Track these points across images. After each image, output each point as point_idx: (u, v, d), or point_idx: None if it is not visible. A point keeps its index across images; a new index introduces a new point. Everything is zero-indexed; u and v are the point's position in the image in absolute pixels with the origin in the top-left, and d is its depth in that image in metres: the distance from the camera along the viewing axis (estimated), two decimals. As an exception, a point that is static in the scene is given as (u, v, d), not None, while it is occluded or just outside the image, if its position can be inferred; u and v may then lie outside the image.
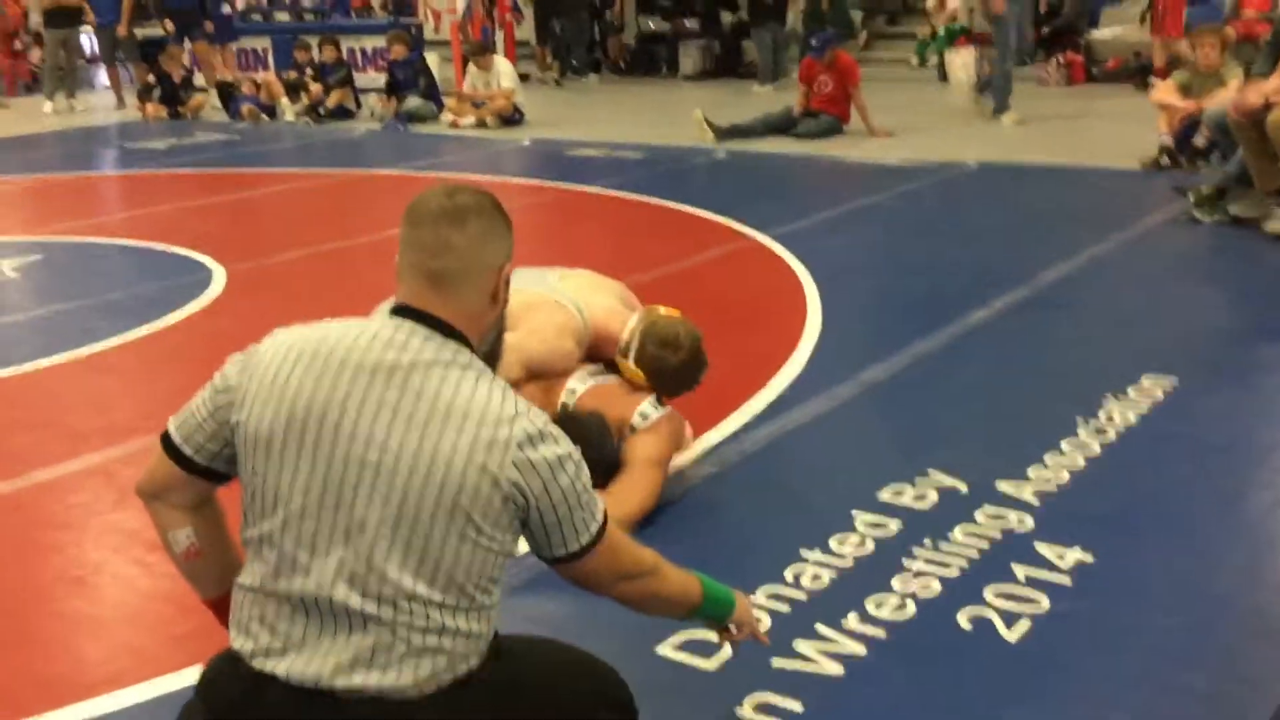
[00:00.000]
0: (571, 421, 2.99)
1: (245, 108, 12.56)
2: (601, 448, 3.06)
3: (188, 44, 14.06)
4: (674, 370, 3.30)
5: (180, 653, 2.56)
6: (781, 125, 10.00)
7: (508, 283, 1.91)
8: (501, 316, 1.94)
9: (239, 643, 1.83)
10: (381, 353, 1.77)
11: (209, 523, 1.94)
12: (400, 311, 1.83)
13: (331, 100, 12.33)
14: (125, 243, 6.68)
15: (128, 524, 3.24)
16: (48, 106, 13.64)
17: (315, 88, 12.44)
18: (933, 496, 3.18)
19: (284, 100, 12.57)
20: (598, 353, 3.44)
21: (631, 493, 3.07)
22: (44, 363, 4.61)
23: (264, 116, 12.51)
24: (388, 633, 1.75)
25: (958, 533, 2.97)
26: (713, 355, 4.36)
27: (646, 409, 3.24)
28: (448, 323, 1.82)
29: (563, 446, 1.80)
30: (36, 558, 3.12)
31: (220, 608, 1.94)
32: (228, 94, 13.13)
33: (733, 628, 2.17)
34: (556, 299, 3.40)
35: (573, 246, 6.73)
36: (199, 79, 13.86)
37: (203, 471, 1.88)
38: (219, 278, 5.77)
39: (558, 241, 6.93)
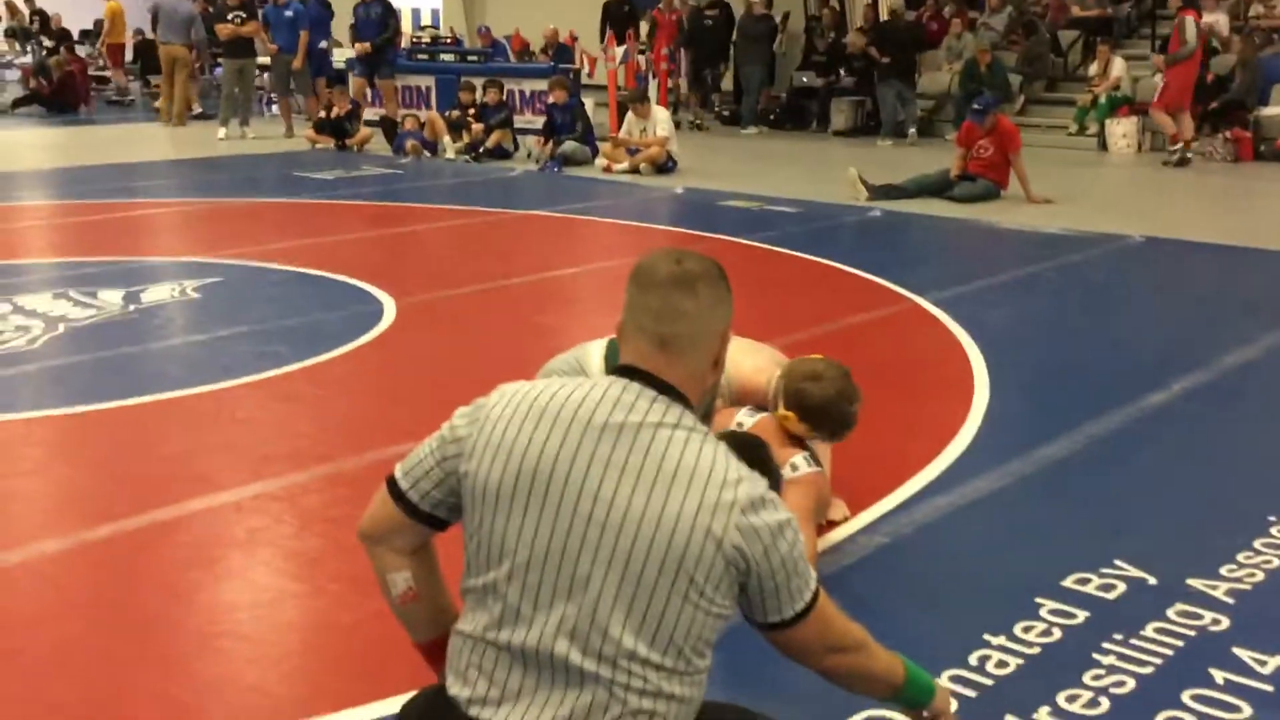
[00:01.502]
0: (743, 444, 2.97)
1: (409, 143, 12.92)
2: (770, 472, 3.04)
3: (352, 78, 14.58)
4: (821, 402, 3.24)
5: (363, 686, 2.60)
6: (937, 188, 9.91)
7: (726, 344, 1.94)
8: (719, 380, 1.97)
9: (455, 689, 1.85)
10: (611, 412, 1.80)
11: (426, 567, 1.98)
12: (626, 372, 1.86)
13: (491, 140, 12.61)
14: (299, 270, 6.91)
15: (309, 551, 3.33)
16: (221, 133, 14.23)
17: (477, 127, 12.75)
18: (1120, 588, 3.08)
19: (446, 138, 12.90)
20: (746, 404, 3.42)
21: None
22: (227, 384, 4.78)
23: (426, 153, 12.86)
24: (605, 691, 1.76)
25: (1149, 629, 2.86)
26: (879, 421, 4.33)
27: (798, 461, 3.20)
28: (673, 385, 1.85)
29: (783, 513, 1.81)
30: (219, 581, 3.21)
31: (430, 652, 1.99)
32: (392, 129, 13.53)
33: (927, 714, 2.13)
34: None
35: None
36: (367, 113, 14.32)
37: (426, 518, 1.92)
38: (389, 309, 5.93)
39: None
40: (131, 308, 5.99)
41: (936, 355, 5.30)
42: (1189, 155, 12.11)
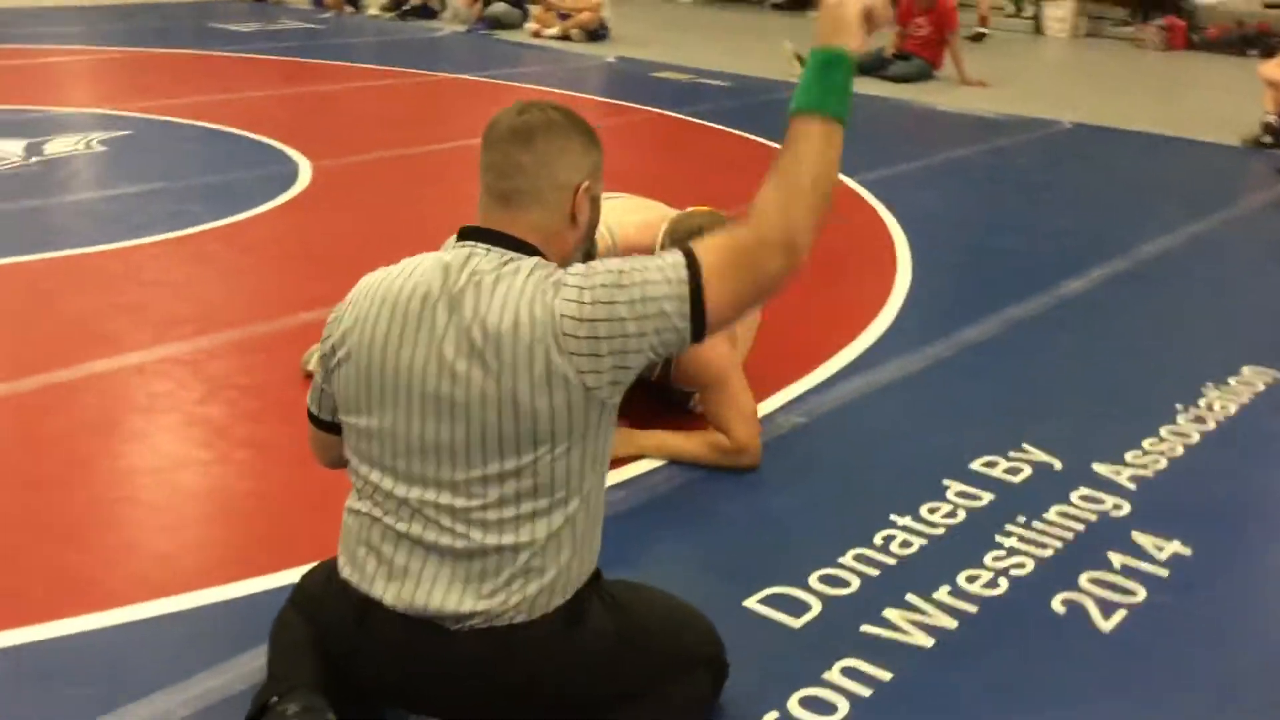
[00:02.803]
0: None
1: (329, -3, 12.45)
2: None
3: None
4: None
5: (264, 554, 2.56)
6: (871, 66, 9.76)
7: (595, 202, 1.88)
8: (587, 237, 1.90)
9: (346, 571, 1.86)
10: (444, 283, 1.77)
11: None
12: (471, 234, 1.83)
13: (416, -2, 12.19)
14: (212, 126, 6.66)
15: (215, 418, 3.25)
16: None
17: (401, -17, 12.30)
18: (1026, 471, 3.12)
19: (368, -7, 12.45)
20: None
21: (735, 406, 3.05)
22: (135, 242, 4.62)
23: (349, 8, 12.40)
24: (492, 555, 1.76)
25: (1052, 512, 2.91)
26: (800, 302, 4.30)
27: None
28: (518, 238, 1.80)
29: (592, 272, 1.76)
30: (121, 444, 3.13)
31: None
32: (314, -19, 13.03)
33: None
34: None
35: (650, 173, 6.64)
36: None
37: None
38: (305, 171, 5.75)
39: (636, 166, 6.83)
40: (34, 160, 5.75)
41: (861, 237, 5.27)
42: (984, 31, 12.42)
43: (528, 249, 1.80)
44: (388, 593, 1.81)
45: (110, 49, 9.46)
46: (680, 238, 3.16)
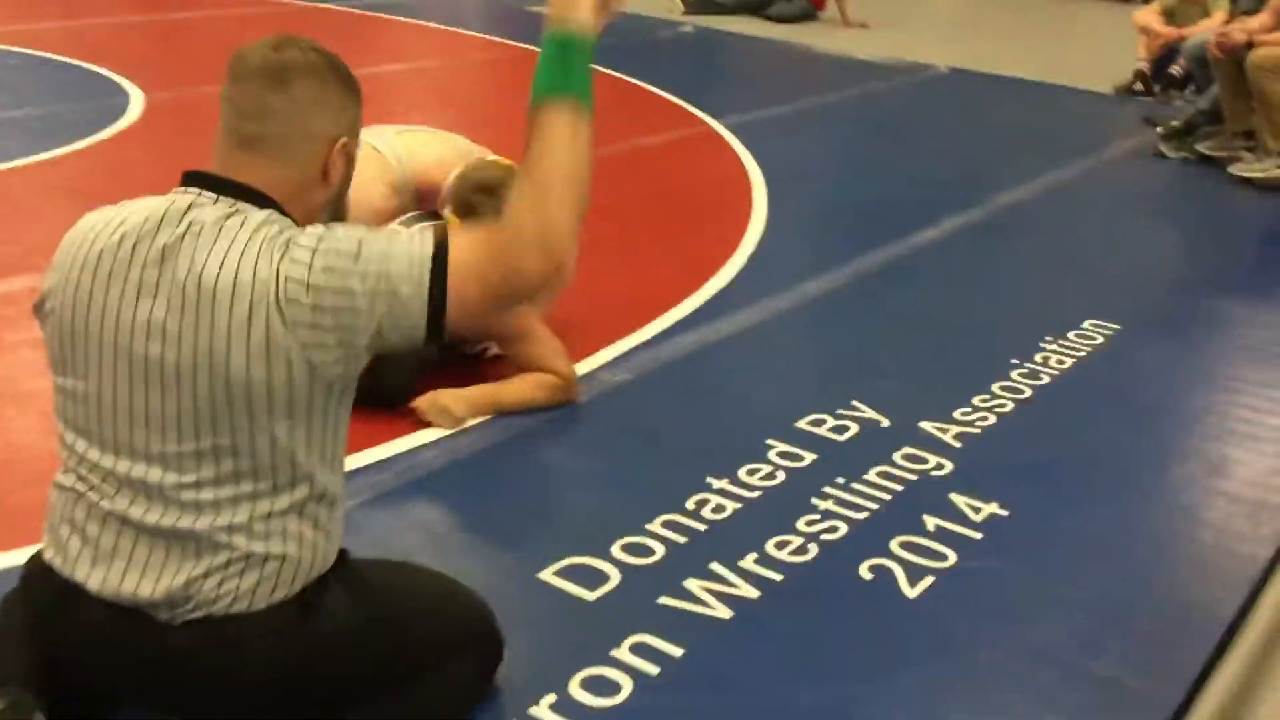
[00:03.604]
0: None
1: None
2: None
3: None
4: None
5: (10, 530, 2.35)
6: (755, 5, 9.63)
7: (350, 160, 1.68)
8: (337, 197, 1.71)
9: (49, 552, 1.67)
10: (155, 234, 1.58)
11: None
12: (197, 179, 1.62)
13: (288, -77, 11.66)
14: (44, 55, 6.25)
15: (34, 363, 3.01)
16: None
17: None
18: (853, 430, 3.02)
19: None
20: (425, 206, 3.20)
21: (548, 345, 2.96)
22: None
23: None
24: (204, 538, 1.59)
25: (873, 473, 2.81)
26: (647, 250, 4.18)
27: None
28: (253, 188, 1.60)
29: (334, 235, 1.57)
30: None
31: None
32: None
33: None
34: (374, 147, 3.12)
35: (511, 112, 6.42)
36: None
37: None
38: (136, 104, 5.41)
39: (495, 105, 6.59)
40: None
41: (719, 184, 5.14)
42: None
43: (262, 201, 1.60)
44: (92, 578, 1.62)
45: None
46: (467, 189, 2.99)
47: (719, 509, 2.63)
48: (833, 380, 3.30)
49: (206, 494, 1.59)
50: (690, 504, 2.63)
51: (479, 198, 2.94)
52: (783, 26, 9.20)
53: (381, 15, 8.45)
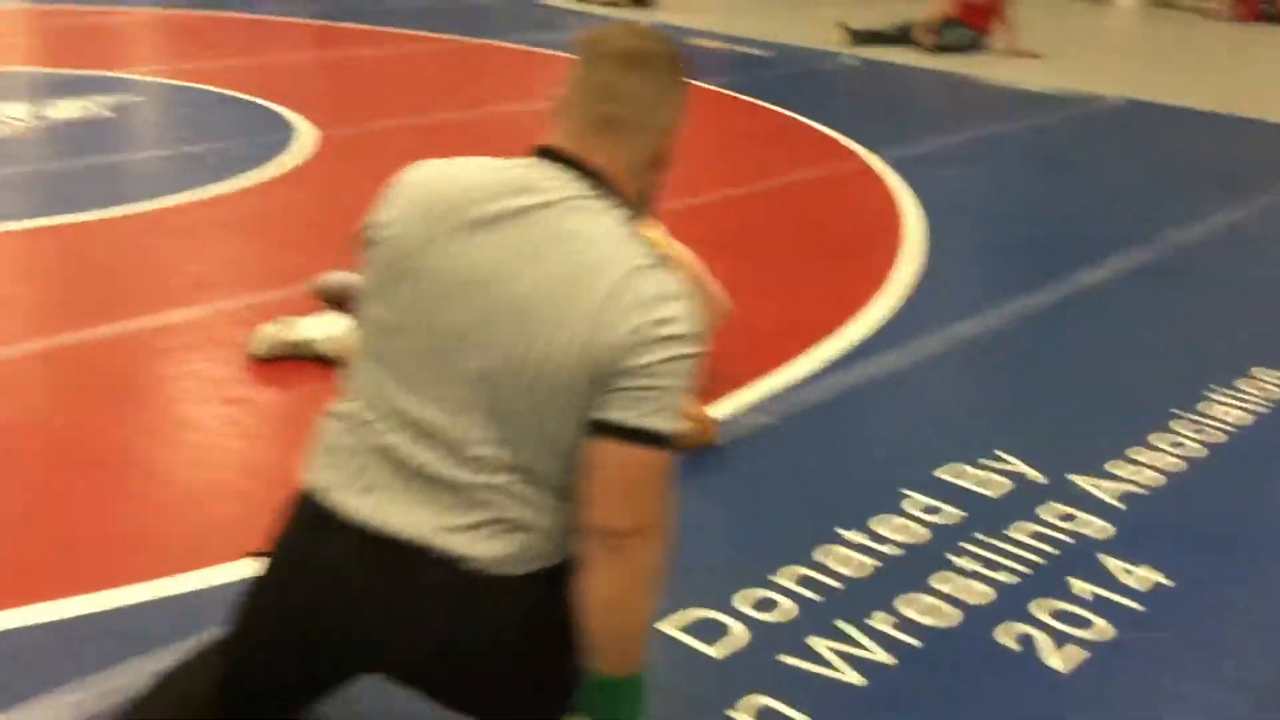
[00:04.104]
0: None
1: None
2: None
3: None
4: None
5: (200, 550, 2.43)
6: (907, 36, 9.42)
7: (670, 145, 1.69)
8: (653, 187, 1.71)
9: (312, 475, 1.65)
10: (511, 198, 1.57)
11: None
12: (547, 154, 1.62)
13: (461, -39, 12.00)
14: (224, 92, 6.54)
15: (195, 392, 3.13)
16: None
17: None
18: (999, 483, 2.89)
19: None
20: None
21: None
22: (121, 211, 4.50)
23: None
24: (474, 496, 1.57)
25: (1019, 531, 2.68)
26: (795, 288, 4.11)
27: None
28: (602, 169, 1.61)
29: (686, 324, 1.54)
30: (121, 412, 3.01)
31: None
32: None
33: None
34: None
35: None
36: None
37: None
38: (310, 140, 5.61)
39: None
40: (35, 123, 5.67)
41: (872, 220, 5.02)
42: None
43: (606, 185, 1.60)
44: (351, 503, 1.59)
45: (129, 9, 9.40)
46: None
47: (845, 561, 2.54)
48: (979, 429, 3.17)
49: (488, 450, 1.56)
50: (817, 555, 2.55)
51: None
52: (949, 57, 8.99)
53: (544, 51, 8.59)
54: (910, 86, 8.26)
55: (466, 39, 8.90)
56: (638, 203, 1.66)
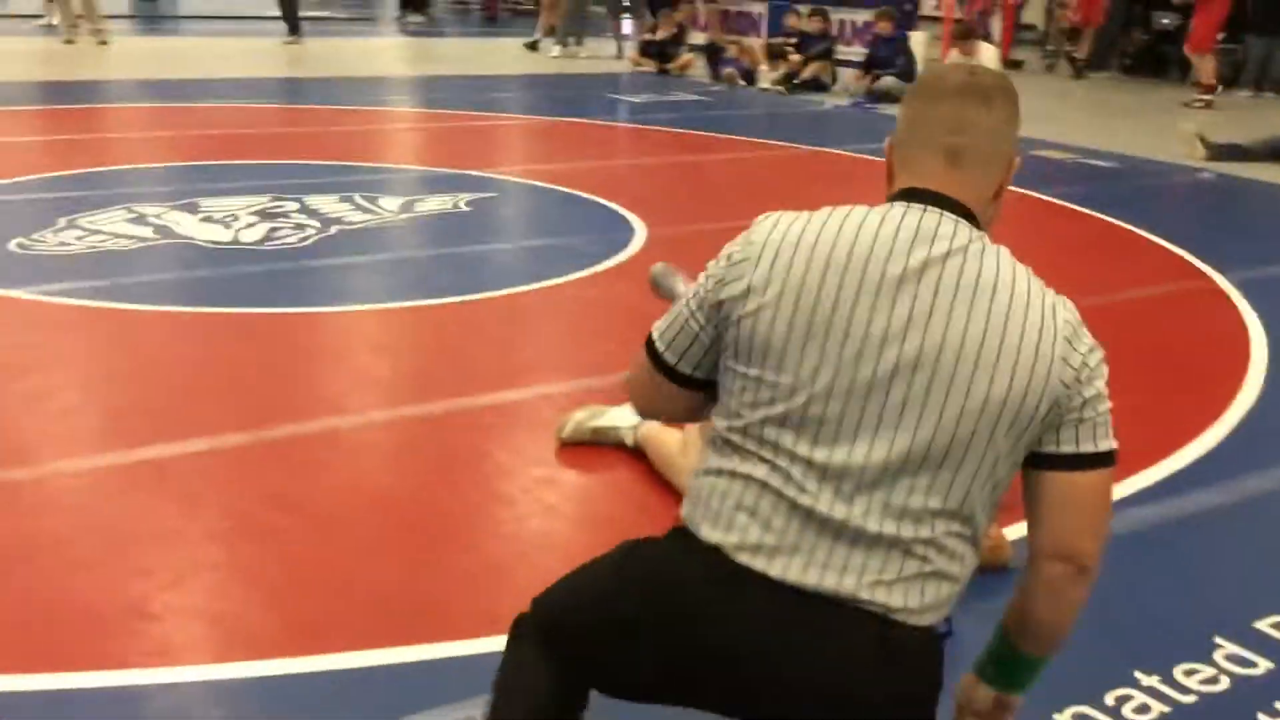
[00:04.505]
0: None
1: (726, 71, 12.84)
2: None
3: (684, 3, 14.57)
4: None
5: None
6: (1283, 150, 8.81)
7: (1010, 175, 1.74)
8: (993, 221, 1.73)
9: (716, 535, 1.63)
10: (911, 246, 1.60)
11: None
12: (912, 195, 1.66)
13: (808, 71, 12.33)
14: (570, 191, 7.00)
15: (509, 467, 3.37)
16: (555, 50, 14.66)
17: (795, 57, 12.49)
18: (1327, 641, 2.63)
19: (763, 67, 12.72)
20: None
21: None
22: (467, 298, 4.91)
23: (742, 82, 12.73)
24: (902, 552, 1.58)
25: (1344, 696, 2.43)
26: (1119, 412, 3.88)
27: None
28: (966, 205, 1.65)
29: (1096, 345, 1.65)
30: (444, 482, 3.29)
31: None
32: (716, 56, 13.48)
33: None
34: None
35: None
36: (695, 38, 14.33)
37: (702, 385, 1.76)
38: (640, 238, 5.91)
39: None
40: (404, 216, 6.27)
41: (1212, 343, 4.71)
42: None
43: (971, 219, 1.64)
44: (773, 566, 1.59)
45: (510, 116, 10.24)
46: None
47: (1143, 709, 2.38)
48: (1312, 580, 2.89)
49: (916, 501, 1.58)
50: (1110, 699, 2.40)
51: None
52: (1324, 175, 8.33)
53: (873, 159, 8.65)
54: (1271, 205, 7.71)
55: (799, 146, 9.10)
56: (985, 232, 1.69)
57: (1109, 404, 1.62)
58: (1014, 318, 1.57)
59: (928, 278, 1.58)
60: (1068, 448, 1.60)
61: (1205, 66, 12.17)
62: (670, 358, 1.75)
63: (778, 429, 1.61)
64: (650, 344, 1.78)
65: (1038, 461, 1.61)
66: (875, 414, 1.57)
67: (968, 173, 1.65)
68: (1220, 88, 12.30)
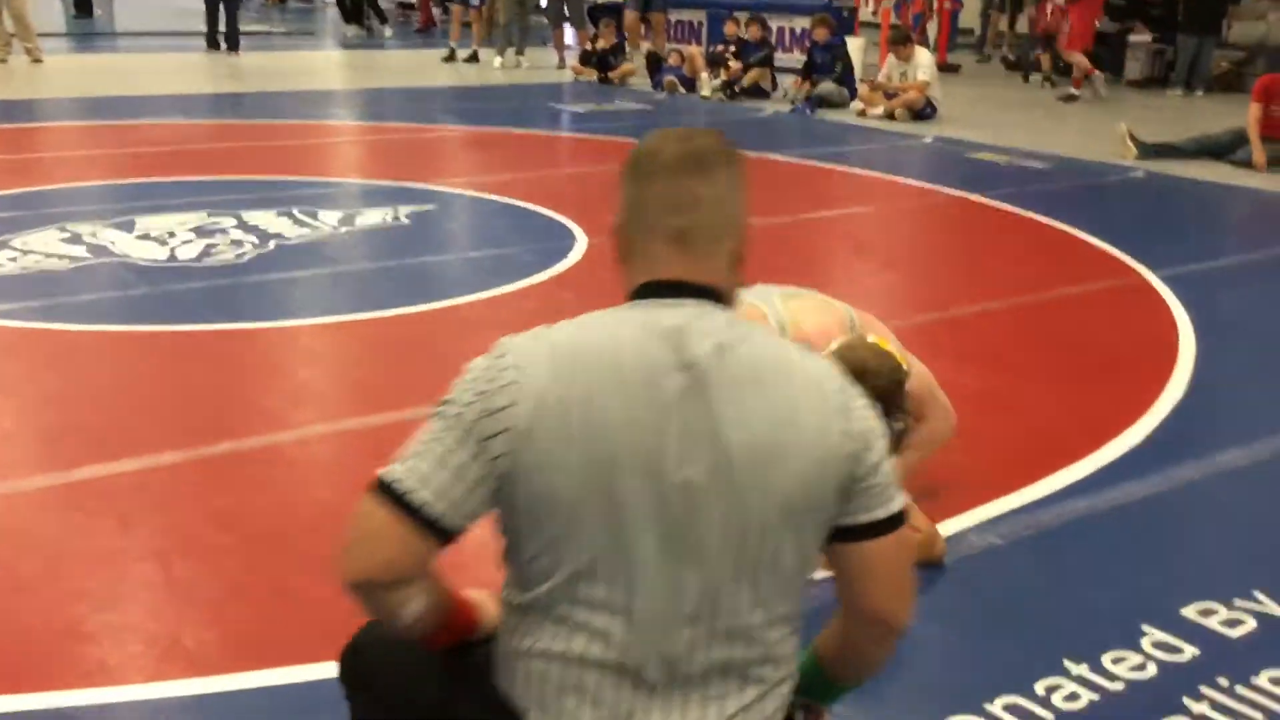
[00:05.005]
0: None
1: (667, 79, 12.90)
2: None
3: (626, 11, 14.63)
4: None
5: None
6: (1220, 149, 8.98)
7: (746, 242, 1.59)
8: (739, 285, 1.59)
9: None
10: (682, 351, 1.45)
11: (430, 577, 1.55)
12: (653, 290, 1.50)
13: (748, 79, 12.40)
14: (511, 202, 7.01)
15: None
16: (497, 62, 14.65)
17: (735, 65, 12.57)
18: (1249, 625, 2.70)
19: (704, 75, 12.79)
20: None
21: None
22: (408, 310, 4.91)
23: (683, 90, 12.79)
24: (740, 679, 1.51)
25: (1264, 677, 2.50)
26: (1043, 406, 3.99)
27: None
28: (713, 287, 1.51)
29: (872, 415, 1.54)
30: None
31: (427, 639, 1.61)
32: (657, 65, 13.53)
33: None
34: (761, 310, 3.13)
35: (933, 258, 6.39)
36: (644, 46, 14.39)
37: (453, 534, 1.48)
38: (580, 247, 5.94)
39: (920, 251, 6.59)
40: (344, 229, 6.26)
41: (1142, 339, 4.81)
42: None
43: (720, 300, 1.51)
44: None
45: (451, 127, 10.22)
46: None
47: (1073, 697, 2.43)
48: (1234, 566, 2.98)
49: (741, 621, 1.50)
50: (1040, 688, 2.45)
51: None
52: (1250, 173, 8.51)
53: (824, 165, 8.74)
54: (1202, 202, 7.88)
55: (751, 154, 9.14)
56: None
57: (890, 463, 1.54)
58: (790, 402, 1.46)
59: (701, 383, 1.44)
60: (862, 517, 1.51)
61: (1079, 63, 12.64)
62: (423, 496, 1.45)
63: (584, 593, 1.46)
64: (392, 490, 1.47)
65: (835, 535, 1.53)
66: (677, 556, 1.44)
67: (700, 251, 1.50)
68: (1098, 80, 12.68)
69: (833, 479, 1.48)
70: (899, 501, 1.55)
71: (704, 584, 1.46)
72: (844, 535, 1.53)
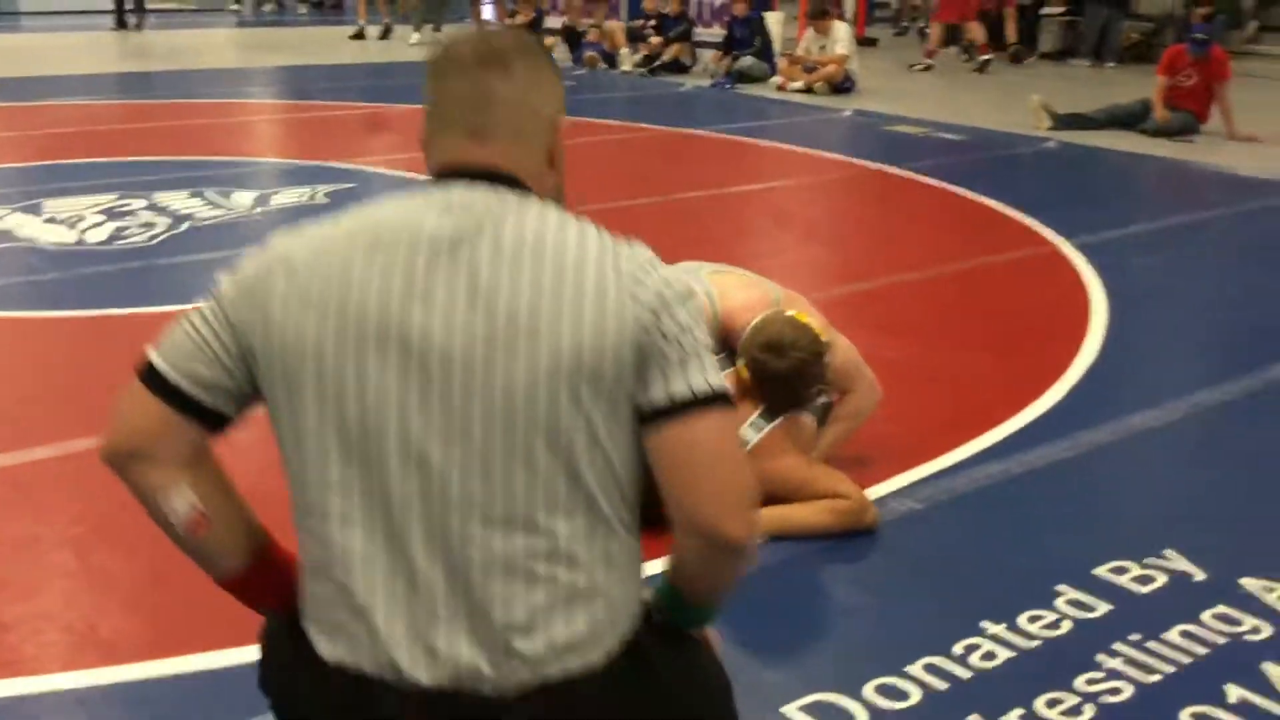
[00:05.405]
0: None
1: (587, 55, 12.85)
2: None
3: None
4: (773, 378, 2.95)
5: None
6: (1130, 119, 9.18)
7: (559, 137, 1.53)
8: (560, 187, 1.54)
9: (330, 649, 1.43)
10: (441, 217, 1.38)
11: (210, 480, 1.52)
12: (445, 173, 1.45)
13: (668, 54, 12.40)
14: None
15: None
16: (414, 38, 14.47)
17: (655, 40, 12.56)
18: (1159, 582, 2.78)
19: (624, 50, 12.76)
20: (729, 347, 3.19)
21: (832, 480, 2.99)
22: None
23: (604, 65, 12.75)
24: (534, 578, 1.37)
25: (1174, 632, 2.58)
26: (962, 374, 4.07)
27: (747, 432, 2.96)
28: (508, 172, 1.44)
29: (680, 284, 1.42)
30: None
31: (245, 586, 1.58)
32: (575, 39, 13.46)
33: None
34: (690, 285, 3.15)
35: (853, 231, 6.46)
36: (551, 21, 14.29)
37: (204, 413, 1.46)
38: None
39: (839, 224, 6.66)
40: (259, 210, 6.16)
41: (1058, 307, 4.92)
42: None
43: (521, 187, 1.44)
44: (401, 661, 1.38)
45: (368, 104, 10.09)
46: (756, 345, 2.98)
47: (989, 656, 2.49)
48: (1145, 525, 3.06)
49: (518, 508, 1.38)
50: (958, 648, 2.51)
51: (766, 355, 2.96)
52: (1159, 141, 8.71)
53: (745, 139, 8.77)
54: (1113, 172, 8.04)
55: (666, 128, 9.17)
56: (557, 201, 1.50)
57: (702, 340, 1.39)
58: (573, 271, 1.36)
59: (472, 252, 1.37)
60: (661, 392, 1.35)
61: (934, 34, 13.30)
62: (170, 373, 1.47)
63: (337, 497, 1.40)
64: (147, 362, 1.49)
65: (642, 421, 1.37)
66: (439, 417, 1.35)
67: (500, 144, 1.45)
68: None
69: (621, 348, 1.34)
70: (712, 379, 1.37)
71: (470, 461, 1.35)
72: (648, 419, 1.37)
